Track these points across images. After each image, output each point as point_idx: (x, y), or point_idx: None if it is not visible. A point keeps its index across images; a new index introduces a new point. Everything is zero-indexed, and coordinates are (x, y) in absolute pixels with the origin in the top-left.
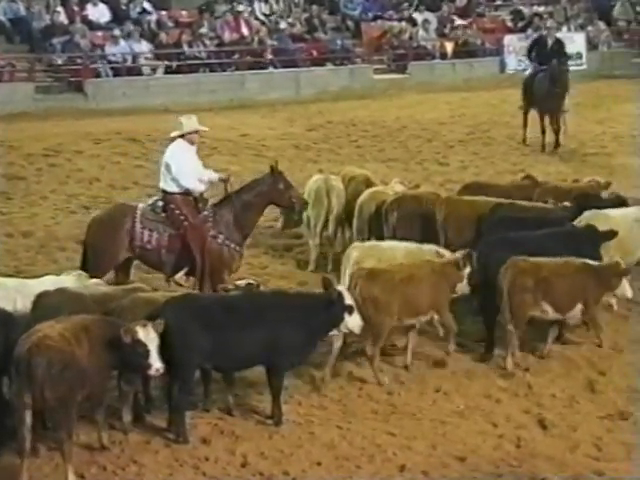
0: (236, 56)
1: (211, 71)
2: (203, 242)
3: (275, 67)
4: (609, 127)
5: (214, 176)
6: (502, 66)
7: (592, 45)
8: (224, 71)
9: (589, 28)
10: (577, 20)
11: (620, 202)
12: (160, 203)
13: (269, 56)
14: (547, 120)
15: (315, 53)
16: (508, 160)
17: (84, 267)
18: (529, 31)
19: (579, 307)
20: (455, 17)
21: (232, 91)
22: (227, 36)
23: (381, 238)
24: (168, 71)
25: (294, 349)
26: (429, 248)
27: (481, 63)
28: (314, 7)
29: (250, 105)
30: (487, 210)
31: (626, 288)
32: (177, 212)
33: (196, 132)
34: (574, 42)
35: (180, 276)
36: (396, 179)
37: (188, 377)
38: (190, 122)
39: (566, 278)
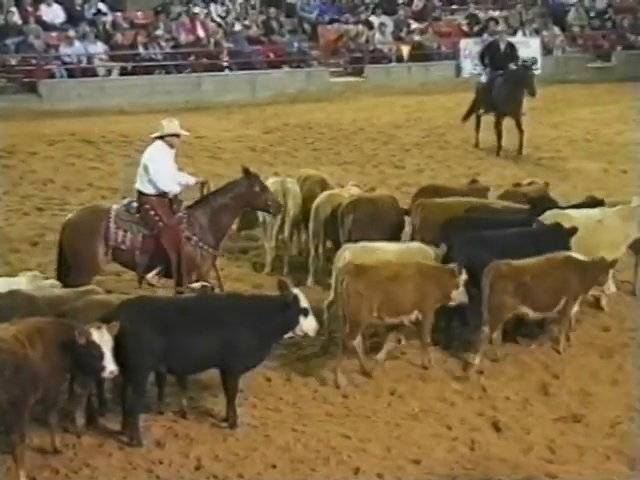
0: (192, 58)
1: (167, 73)
2: (178, 243)
3: (231, 69)
4: (564, 131)
5: (191, 180)
6: (458, 70)
7: (547, 50)
8: (180, 73)
9: (544, 33)
10: (532, 25)
11: (597, 203)
12: (134, 204)
13: (225, 58)
14: (505, 124)
15: (271, 55)
16: (463, 164)
17: (60, 272)
18: (485, 35)
19: (563, 302)
20: (411, 21)
21: (188, 93)
22: (183, 38)
23: (337, 241)
24: (123, 72)
25: (249, 352)
26: (418, 247)
27: (437, 67)
28: (271, 10)
29: (206, 107)
30: (462, 212)
31: (611, 285)
32: (152, 213)
33: (177, 135)
34: (529, 47)
35: (152, 276)
36: (351, 182)
37: (142, 380)
38: (171, 125)
39: (549, 276)
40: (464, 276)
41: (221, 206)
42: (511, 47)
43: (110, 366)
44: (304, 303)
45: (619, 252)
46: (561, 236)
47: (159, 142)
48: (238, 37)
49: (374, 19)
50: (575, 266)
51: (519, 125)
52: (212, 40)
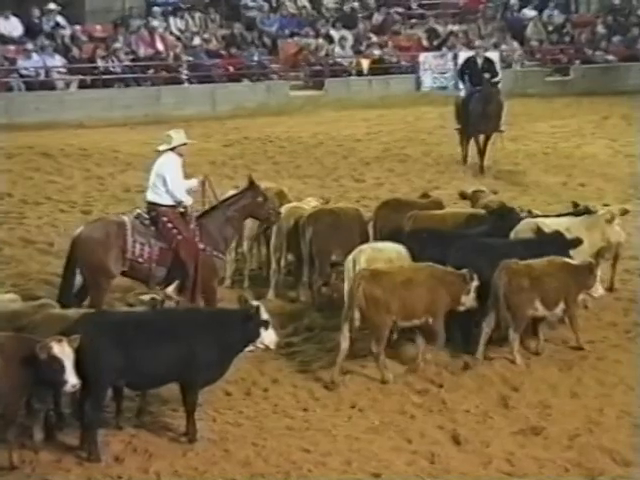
0: (151, 71)
1: (126, 86)
2: (196, 256)
3: (191, 82)
4: (523, 145)
5: (194, 183)
6: (418, 84)
7: (506, 64)
8: (139, 86)
9: (503, 47)
10: (491, 39)
11: (585, 212)
12: (147, 216)
13: (185, 71)
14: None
15: (231, 69)
16: (423, 177)
17: (66, 289)
18: (444, 49)
19: (561, 305)
20: (371, 34)
21: (147, 106)
22: (142, 51)
23: (299, 254)
24: (82, 86)
25: (209, 366)
26: None
27: (397, 80)
28: (231, 23)
29: (165, 120)
30: (453, 223)
31: (599, 288)
32: (169, 225)
33: (184, 145)
34: None
35: (172, 290)
36: (310, 197)
37: (100, 394)
38: (179, 136)
39: (552, 277)
40: (476, 282)
41: (229, 217)
42: (489, 62)
43: (72, 379)
44: (265, 315)
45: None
46: (560, 245)
47: (170, 153)
48: (197, 50)
49: (334, 33)
50: (571, 269)
51: (485, 143)
52: (171, 53)
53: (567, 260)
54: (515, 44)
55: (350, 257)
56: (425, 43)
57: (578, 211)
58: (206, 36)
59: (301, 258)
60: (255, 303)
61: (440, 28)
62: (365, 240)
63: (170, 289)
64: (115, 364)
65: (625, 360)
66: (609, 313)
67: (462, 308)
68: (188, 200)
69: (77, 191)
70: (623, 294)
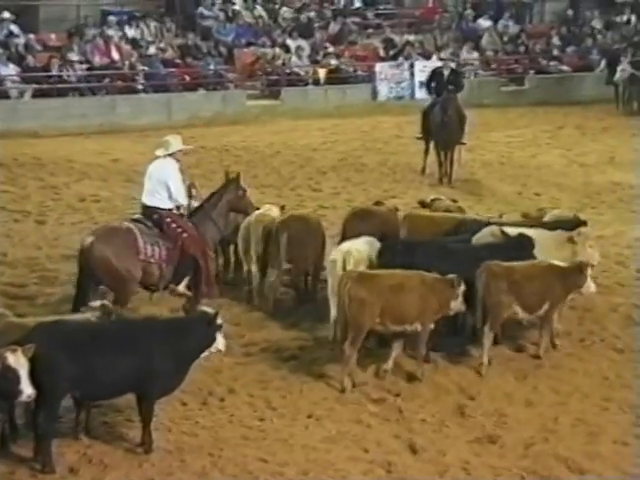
0: (106, 80)
1: (81, 95)
2: (204, 251)
3: (146, 92)
4: (478, 154)
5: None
6: (374, 93)
7: (462, 74)
8: (94, 95)
9: (465, 54)
10: (447, 49)
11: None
12: (146, 220)
13: (140, 80)
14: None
15: (187, 78)
16: (380, 187)
17: (81, 298)
18: (400, 59)
19: (546, 306)
20: (328, 44)
21: (102, 115)
22: (97, 60)
23: (265, 260)
24: (36, 94)
25: (167, 376)
26: None
27: (353, 90)
28: (186, 32)
29: (121, 130)
30: (449, 226)
31: (590, 285)
32: (174, 226)
33: (180, 150)
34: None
35: (184, 287)
36: (269, 205)
37: (54, 405)
38: (177, 141)
39: (535, 279)
40: (463, 287)
41: (217, 214)
42: (454, 74)
43: (27, 390)
44: (220, 320)
45: None
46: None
47: (169, 159)
48: (153, 59)
49: (291, 42)
50: (557, 272)
51: (451, 154)
52: (127, 63)
53: (553, 262)
54: (475, 54)
55: (336, 256)
56: (381, 53)
57: (552, 223)
58: (162, 45)
59: (266, 264)
60: (206, 309)
61: (396, 38)
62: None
63: (181, 286)
64: (69, 374)
65: (580, 369)
66: (564, 322)
67: (451, 313)
68: (187, 203)
69: (31, 201)
70: (577, 303)
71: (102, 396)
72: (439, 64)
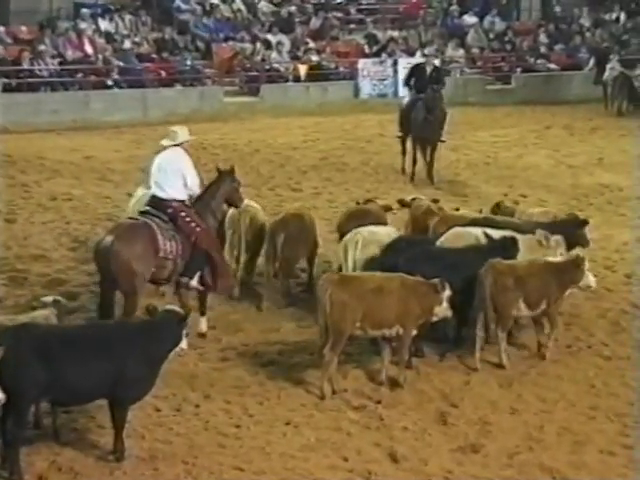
0: (79, 75)
1: (53, 90)
2: (216, 244)
3: (121, 87)
4: (463, 154)
5: None
6: (356, 90)
7: (446, 71)
8: (67, 90)
9: (450, 52)
10: (432, 46)
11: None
12: (159, 213)
13: (115, 75)
14: (421, 150)
15: (163, 73)
16: (362, 187)
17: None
18: (383, 55)
19: (543, 304)
20: (309, 40)
21: (75, 111)
22: (70, 54)
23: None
24: (7, 89)
25: (140, 380)
26: None
27: (335, 87)
28: (162, 26)
29: (94, 126)
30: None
31: (590, 278)
32: (188, 220)
33: (187, 141)
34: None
35: (196, 281)
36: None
37: (23, 411)
38: (184, 132)
39: (534, 276)
40: (448, 292)
41: (216, 205)
42: (437, 70)
43: None
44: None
45: None
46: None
47: (178, 149)
48: (128, 54)
49: (271, 37)
50: (552, 269)
51: (432, 153)
52: (100, 57)
53: (549, 259)
54: (461, 51)
55: (348, 240)
56: (364, 49)
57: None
58: (137, 39)
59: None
60: (173, 307)
61: (379, 34)
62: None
63: (194, 281)
64: (39, 379)
65: (566, 376)
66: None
67: (435, 319)
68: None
69: (0, 199)
70: (564, 308)
71: (73, 402)
72: (422, 60)
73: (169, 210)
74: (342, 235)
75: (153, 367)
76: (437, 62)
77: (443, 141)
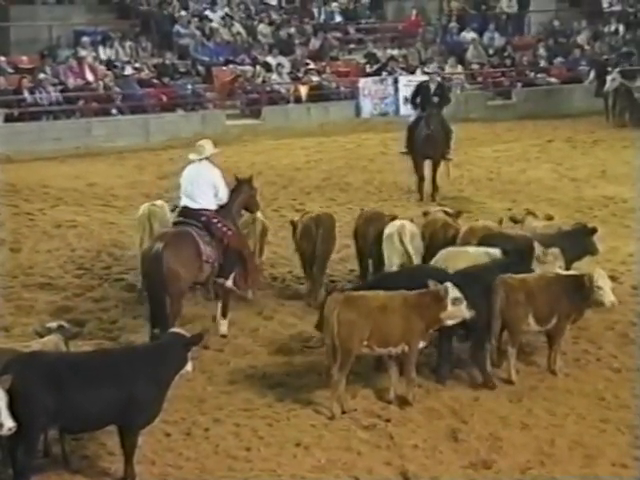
0: (81, 102)
1: (55, 118)
2: (247, 245)
3: (122, 113)
4: (466, 170)
5: None
6: (357, 110)
7: (449, 88)
8: (68, 118)
9: (445, 70)
10: (432, 63)
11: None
12: (193, 222)
13: (116, 102)
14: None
15: (165, 98)
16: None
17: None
18: (384, 74)
19: (554, 320)
20: (309, 60)
21: (78, 139)
22: (71, 82)
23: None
24: (9, 119)
25: (149, 405)
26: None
27: (336, 107)
28: (163, 51)
29: (97, 153)
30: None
31: (609, 294)
32: (220, 225)
33: (214, 154)
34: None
35: (231, 283)
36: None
37: (33, 440)
38: (210, 146)
39: (545, 291)
40: (453, 294)
41: (236, 211)
42: (441, 88)
43: (8, 422)
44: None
45: None
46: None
47: (206, 162)
48: (129, 80)
49: (271, 59)
50: (565, 284)
51: (434, 169)
52: (101, 84)
53: (558, 273)
54: (458, 68)
55: (391, 231)
56: (364, 68)
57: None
58: (137, 65)
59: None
60: (178, 330)
61: (379, 53)
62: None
63: (229, 282)
64: (48, 407)
65: (576, 389)
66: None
67: (450, 322)
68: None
69: (5, 228)
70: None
71: (83, 429)
72: (424, 78)
73: (202, 218)
74: (359, 237)
75: (161, 391)
76: (439, 79)
77: (449, 159)
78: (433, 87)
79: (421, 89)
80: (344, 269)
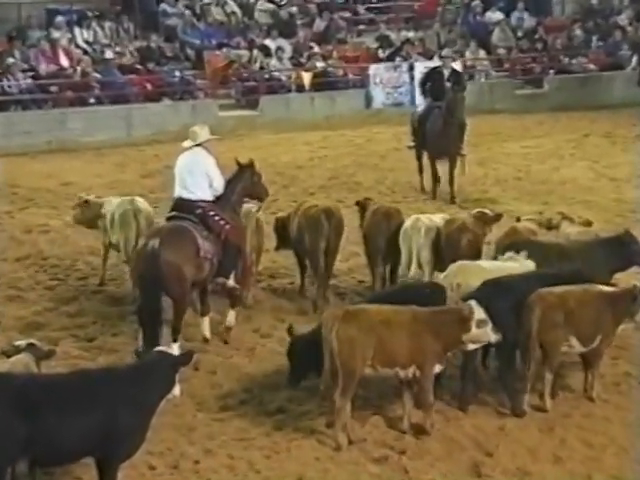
0: (54, 88)
1: (24, 109)
2: (245, 240)
3: (102, 103)
4: (491, 169)
5: None
6: (368, 100)
7: (469, 75)
8: (40, 108)
9: (466, 55)
10: (452, 47)
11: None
12: (188, 215)
13: (94, 91)
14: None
15: (149, 87)
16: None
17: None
18: (398, 60)
19: (598, 339)
20: (313, 44)
21: (51, 132)
22: (43, 67)
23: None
24: None
25: (132, 433)
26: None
27: (344, 97)
28: (147, 33)
29: (72, 148)
30: None
31: None
32: (217, 218)
33: (209, 141)
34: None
35: (233, 280)
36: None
37: (2, 472)
38: (204, 131)
39: (587, 307)
40: (479, 315)
41: (237, 200)
42: (456, 75)
43: None
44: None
45: None
46: None
47: (200, 149)
48: (109, 66)
49: (269, 43)
50: (607, 299)
51: (452, 167)
52: (78, 70)
53: (601, 287)
54: (482, 52)
55: (407, 224)
56: (376, 53)
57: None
58: (118, 49)
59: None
60: (165, 349)
61: (393, 35)
62: None
63: (231, 281)
64: (17, 436)
65: (615, 417)
66: None
67: (472, 346)
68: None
69: None
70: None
71: (57, 461)
72: (438, 63)
73: (198, 211)
74: (372, 237)
75: (144, 417)
76: (456, 65)
77: (463, 155)
78: (447, 73)
79: (433, 75)
80: (352, 280)
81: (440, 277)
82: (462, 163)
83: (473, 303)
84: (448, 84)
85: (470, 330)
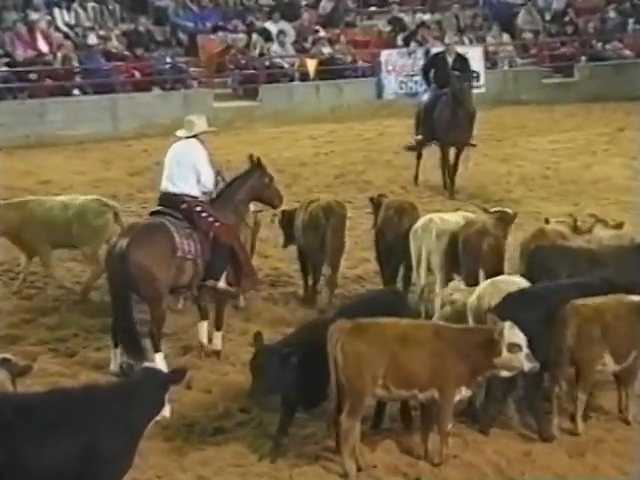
0: (32, 76)
1: (0, 99)
2: (239, 239)
3: (85, 93)
4: (516, 166)
5: None
6: (379, 90)
7: (491, 62)
8: (17, 99)
9: (488, 40)
10: (473, 31)
11: None
12: (171, 211)
13: (77, 79)
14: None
15: (137, 75)
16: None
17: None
18: (412, 45)
19: (633, 356)
20: (318, 27)
21: (28, 125)
22: (20, 53)
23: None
24: None
25: (116, 458)
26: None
27: (352, 86)
28: (135, 16)
29: (52, 143)
30: None
31: None
32: (204, 215)
33: (205, 132)
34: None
35: (224, 283)
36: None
37: None
38: (201, 122)
39: (624, 320)
40: (511, 338)
41: (241, 201)
42: (462, 60)
43: None
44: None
45: None
46: None
47: (194, 141)
48: (93, 52)
49: (270, 26)
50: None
51: (457, 158)
52: (58, 56)
53: (636, 299)
54: (505, 37)
55: (418, 224)
56: (388, 38)
57: None
58: (103, 33)
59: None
60: (152, 365)
61: (407, 18)
62: None
63: (221, 283)
64: None
65: None
66: None
67: (505, 373)
68: (212, 189)
69: None
70: None
71: None
72: (461, 50)
73: (182, 206)
74: (385, 234)
75: (131, 441)
76: (461, 50)
77: (474, 145)
78: (451, 59)
79: (436, 61)
80: (362, 289)
81: (472, 299)
82: (468, 156)
83: (508, 325)
84: (454, 71)
85: (500, 354)
